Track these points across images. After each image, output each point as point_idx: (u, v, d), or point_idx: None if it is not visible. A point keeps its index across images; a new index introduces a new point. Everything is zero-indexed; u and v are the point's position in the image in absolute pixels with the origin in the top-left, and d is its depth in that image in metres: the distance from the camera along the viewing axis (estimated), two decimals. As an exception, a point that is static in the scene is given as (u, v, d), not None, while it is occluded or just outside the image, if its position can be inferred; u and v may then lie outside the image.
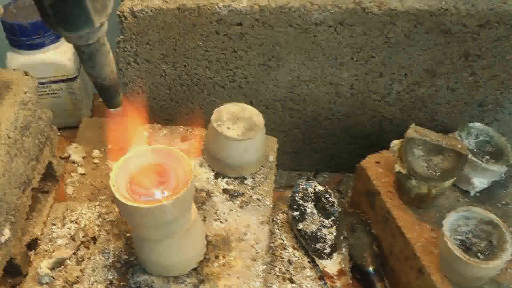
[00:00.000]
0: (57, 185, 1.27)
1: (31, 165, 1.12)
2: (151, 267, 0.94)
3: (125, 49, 1.18)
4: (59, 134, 1.32)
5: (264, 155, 1.11)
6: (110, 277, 0.95)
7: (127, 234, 1.01)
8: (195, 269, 0.96)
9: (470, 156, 1.08)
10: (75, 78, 1.44)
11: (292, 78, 1.21)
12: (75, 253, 1.07)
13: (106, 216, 1.03)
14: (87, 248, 1.08)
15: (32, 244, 1.14)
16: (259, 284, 0.95)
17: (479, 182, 1.12)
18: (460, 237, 1.03)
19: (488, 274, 0.99)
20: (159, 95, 1.26)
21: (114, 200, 0.85)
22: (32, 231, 1.14)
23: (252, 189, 1.08)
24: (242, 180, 1.09)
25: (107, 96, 0.79)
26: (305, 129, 1.31)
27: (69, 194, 1.32)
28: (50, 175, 1.26)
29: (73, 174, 1.37)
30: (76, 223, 1.13)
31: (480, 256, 1.00)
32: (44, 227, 1.15)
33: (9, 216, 1.02)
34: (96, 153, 1.42)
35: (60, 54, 1.40)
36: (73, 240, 1.09)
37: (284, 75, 1.20)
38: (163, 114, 1.30)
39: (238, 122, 1.06)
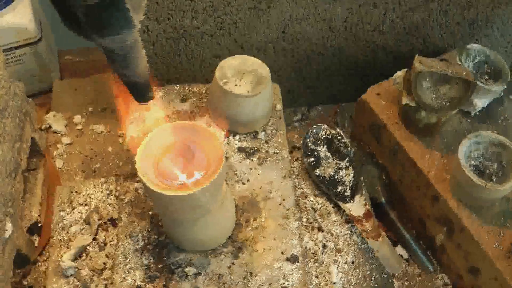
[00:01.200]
0: (44, 160, 1.17)
1: (16, 147, 1.01)
2: (187, 244, 0.90)
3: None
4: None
5: (272, 106, 1.05)
6: (146, 262, 0.90)
7: (150, 213, 0.96)
8: (230, 237, 0.92)
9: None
10: (39, 40, 1.30)
11: (284, 19, 1.14)
12: (94, 239, 1.00)
13: (122, 197, 0.97)
14: (106, 231, 1.01)
15: (33, 229, 1.06)
16: (296, 241, 0.93)
17: (481, 103, 1.12)
18: (473, 162, 1.03)
19: (503, 194, 1.00)
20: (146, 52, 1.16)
21: (146, 189, 0.79)
22: (29, 215, 1.05)
23: (267, 143, 1.03)
24: (254, 135, 1.04)
25: (139, 92, 0.70)
26: (298, 67, 1.25)
27: (59, 168, 1.24)
28: (34, 151, 1.15)
29: (59, 146, 1.27)
30: (86, 205, 1.05)
31: (494, 178, 1.02)
32: (40, 208, 1.07)
33: (8, 209, 0.94)
34: (77, 118, 1.32)
35: (19, 16, 1.24)
36: (88, 224, 1.02)
37: (275, 16, 1.13)
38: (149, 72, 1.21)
39: (244, 77, 1.00)
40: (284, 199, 0.97)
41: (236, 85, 0.98)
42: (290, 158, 1.02)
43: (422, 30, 1.20)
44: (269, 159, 1.01)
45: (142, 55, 0.66)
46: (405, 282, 1.13)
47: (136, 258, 0.90)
